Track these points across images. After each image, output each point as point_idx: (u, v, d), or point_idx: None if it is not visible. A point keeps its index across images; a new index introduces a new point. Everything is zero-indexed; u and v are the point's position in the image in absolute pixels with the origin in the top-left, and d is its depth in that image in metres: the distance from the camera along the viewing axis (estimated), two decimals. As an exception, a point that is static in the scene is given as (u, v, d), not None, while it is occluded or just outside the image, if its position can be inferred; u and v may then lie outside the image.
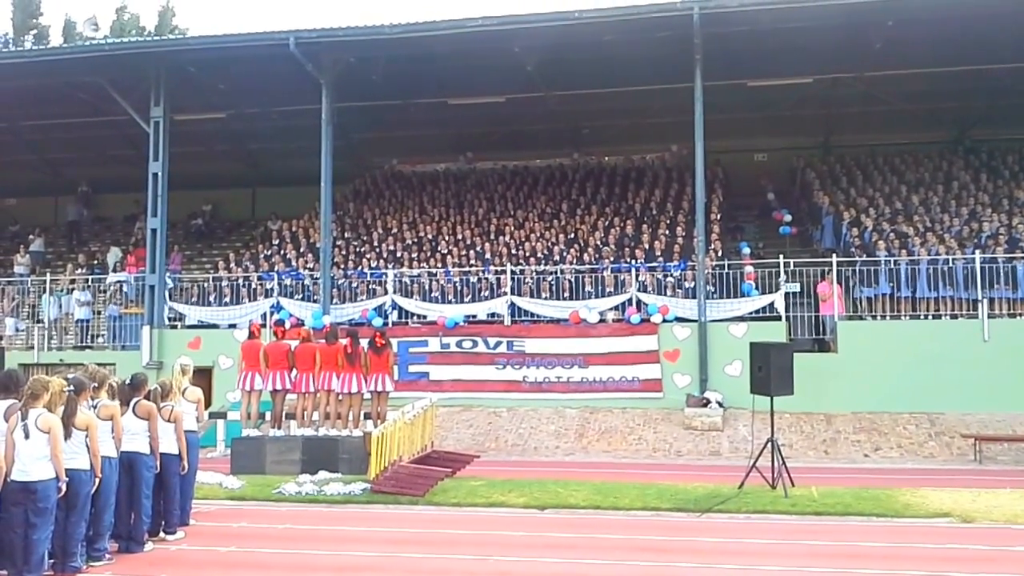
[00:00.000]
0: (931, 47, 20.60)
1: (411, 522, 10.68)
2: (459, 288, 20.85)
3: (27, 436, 7.61)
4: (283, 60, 20.27)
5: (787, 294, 19.00)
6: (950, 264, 18.78)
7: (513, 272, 20.51)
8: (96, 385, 8.73)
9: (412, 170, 29.42)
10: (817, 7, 18.44)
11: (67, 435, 7.86)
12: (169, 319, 21.76)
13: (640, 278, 19.91)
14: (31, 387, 7.78)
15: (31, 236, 28.56)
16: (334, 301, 21.02)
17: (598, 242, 21.91)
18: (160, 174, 21.51)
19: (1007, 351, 17.67)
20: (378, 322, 20.01)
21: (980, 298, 18.24)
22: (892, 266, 19.02)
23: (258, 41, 20.67)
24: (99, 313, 22.90)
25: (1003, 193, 22.86)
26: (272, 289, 21.47)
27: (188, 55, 21.40)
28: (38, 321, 22.76)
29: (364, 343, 14.88)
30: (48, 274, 23.94)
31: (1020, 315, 18.47)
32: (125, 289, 23.24)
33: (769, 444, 12.13)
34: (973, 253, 18.94)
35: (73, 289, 23.16)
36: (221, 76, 22.76)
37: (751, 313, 19.15)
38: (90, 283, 23.56)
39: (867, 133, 26.51)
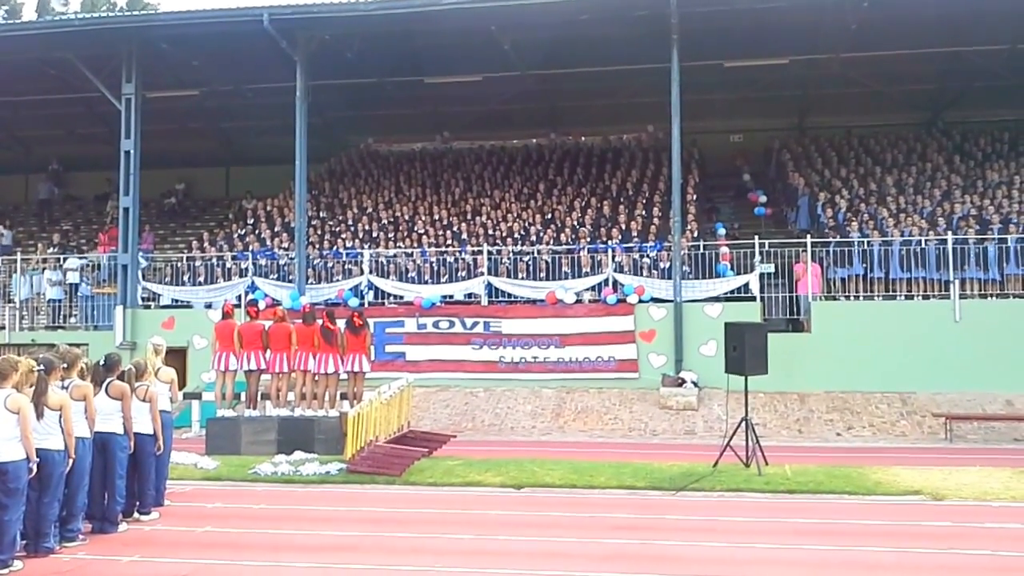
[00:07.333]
0: (906, 29, 20.72)
1: (387, 502, 10.67)
2: (436, 268, 20.78)
3: (-3, 417, 7.52)
4: (257, 37, 20.05)
5: (762, 274, 19.11)
6: (922, 245, 18.95)
7: (490, 252, 20.47)
8: (67, 365, 8.64)
9: (388, 149, 29.24)
10: (794, -12, 18.50)
11: (39, 415, 7.79)
12: (142, 299, 21.56)
13: (616, 258, 19.93)
14: (-1, 367, 7.69)
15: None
16: (310, 281, 20.89)
17: (575, 222, 21.88)
18: (132, 152, 21.22)
19: (978, 331, 17.89)
20: (354, 302, 19.93)
21: (952, 279, 18.44)
22: (865, 247, 19.17)
23: (232, 17, 20.42)
24: (75, 284, 22.48)
25: (975, 175, 23.07)
26: (247, 269, 21.32)
27: (160, 31, 21.07)
28: (9, 301, 22.47)
29: (341, 323, 14.82)
30: (19, 253, 23.58)
31: (991, 296, 18.70)
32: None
33: (743, 423, 12.22)
34: (945, 234, 19.13)
35: (44, 269, 22.85)
36: (194, 53, 22.42)
37: (726, 293, 19.27)
38: (61, 262, 23.26)
39: (842, 114, 26.66)
